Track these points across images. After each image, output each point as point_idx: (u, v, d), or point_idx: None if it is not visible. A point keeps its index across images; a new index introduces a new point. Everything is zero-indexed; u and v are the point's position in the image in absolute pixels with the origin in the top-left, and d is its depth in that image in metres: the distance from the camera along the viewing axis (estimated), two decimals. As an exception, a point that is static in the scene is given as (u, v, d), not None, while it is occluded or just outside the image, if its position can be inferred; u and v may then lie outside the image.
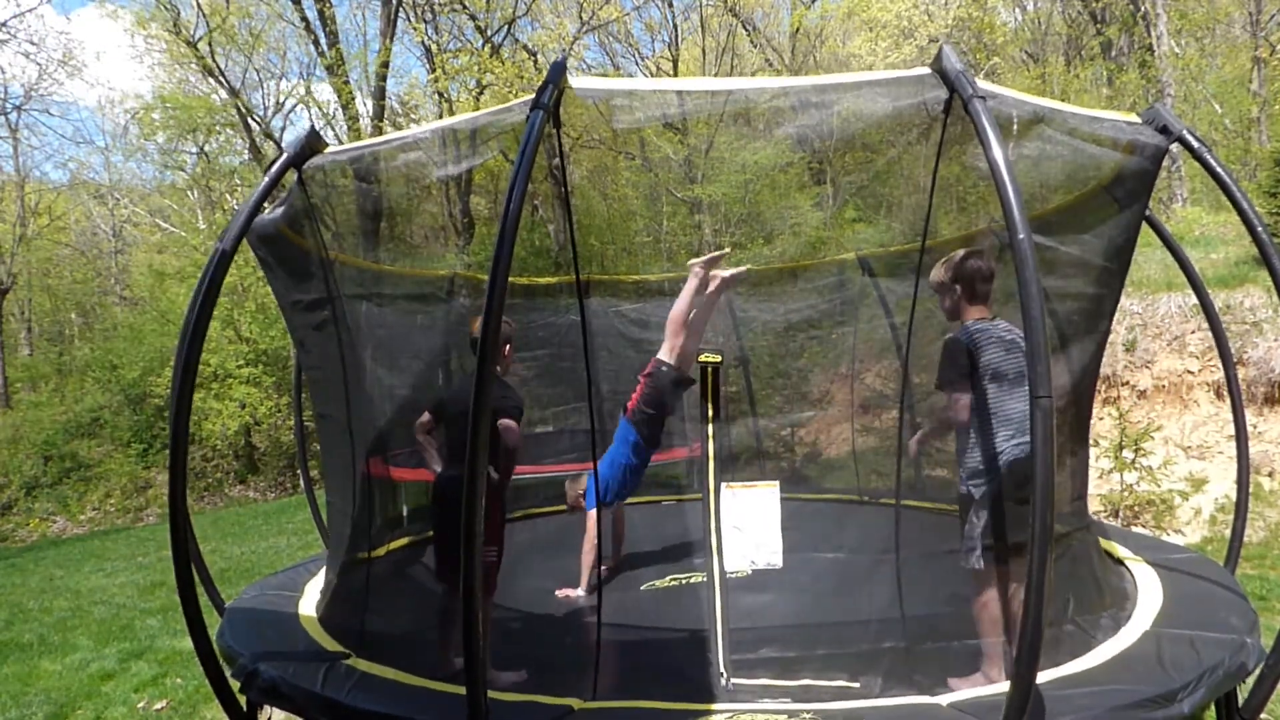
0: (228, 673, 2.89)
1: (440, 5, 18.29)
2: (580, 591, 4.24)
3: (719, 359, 2.94)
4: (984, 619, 2.91)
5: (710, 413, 2.95)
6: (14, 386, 22.27)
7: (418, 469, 4.65)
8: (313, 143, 3.08)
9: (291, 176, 3.13)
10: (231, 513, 13.19)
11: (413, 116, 19.67)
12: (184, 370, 2.72)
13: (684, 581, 4.68)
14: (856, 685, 2.66)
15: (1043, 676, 2.08)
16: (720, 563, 2.91)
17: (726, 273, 4.54)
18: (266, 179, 2.97)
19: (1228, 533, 4.24)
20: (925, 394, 5.06)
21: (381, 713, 2.43)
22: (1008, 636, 2.82)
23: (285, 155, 3.02)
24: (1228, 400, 6.16)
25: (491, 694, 2.19)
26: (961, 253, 3.11)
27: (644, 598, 4.48)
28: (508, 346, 3.68)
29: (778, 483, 3.00)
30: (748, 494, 2.90)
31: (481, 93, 16.72)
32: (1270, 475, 6.73)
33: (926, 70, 2.55)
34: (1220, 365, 5.21)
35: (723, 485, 2.92)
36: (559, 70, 2.48)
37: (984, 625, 2.91)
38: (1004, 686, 2.26)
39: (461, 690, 2.11)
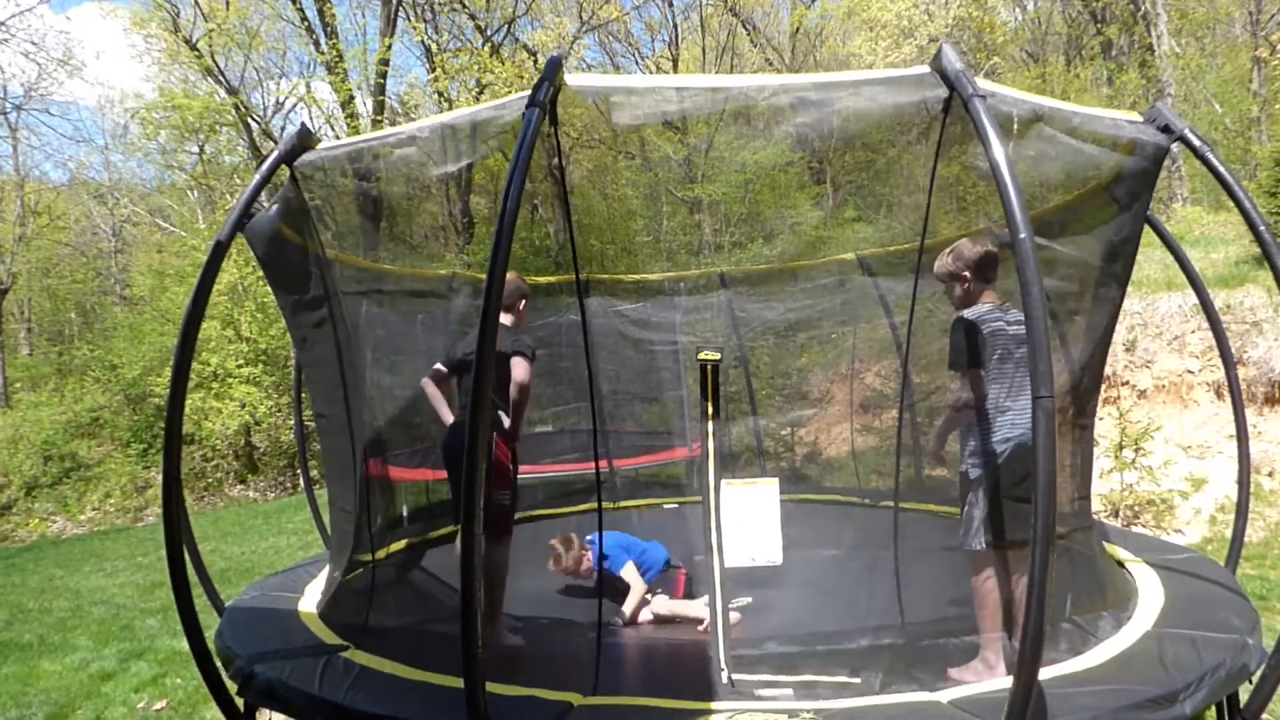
0: (227, 674, 2.89)
1: (440, 5, 18.28)
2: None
3: (718, 357, 2.94)
4: (982, 603, 2.91)
5: (710, 411, 2.95)
6: (14, 386, 22.25)
7: (418, 469, 4.66)
8: (304, 139, 3.11)
9: (285, 174, 3.15)
10: (231, 513, 13.18)
11: (412, 116, 19.62)
12: (182, 351, 2.80)
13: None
14: (857, 681, 2.66)
15: (1044, 674, 2.08)
16: (720, 560, 2.91)
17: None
18: (258, 175, 3.01)
19: (1228, 533, 4.24)
20: (925, 394, 5.06)
21: (380, 714, 2.42)
22: (1007, 623, 2.82)
23: (277, 151, 3.06)
24: (1228, 400, 6.16)
25: (491, 689, 2.17)
26: (966, 240, 3.13)
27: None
28: (523, 302, 3.80)
29: (777, 480, 3.01)
30: (747, 491, 2.90)
31: (481, 92, 16.70)
32: (1270, 475, 6.72)
33: (926, 69, 2.55)
34: (1220, 365, 5.21)
35: (723, 483, 2.92)
36: (554, 67, 2.46)
37: (982, 609, 2.91)
38: (1004, 682, 2.25)
39: (459, 683, 2.10)
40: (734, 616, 4.01)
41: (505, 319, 3.65)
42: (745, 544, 2.89)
